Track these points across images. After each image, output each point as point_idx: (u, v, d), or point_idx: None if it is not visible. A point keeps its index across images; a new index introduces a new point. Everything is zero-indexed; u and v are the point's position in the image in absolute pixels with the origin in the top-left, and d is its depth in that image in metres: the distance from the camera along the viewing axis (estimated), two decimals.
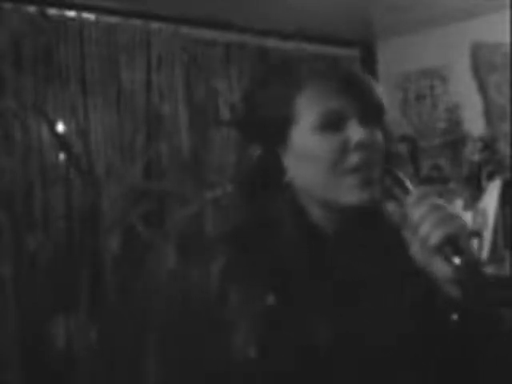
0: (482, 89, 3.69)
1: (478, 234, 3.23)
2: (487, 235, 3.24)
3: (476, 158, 3.54)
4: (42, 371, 2.73)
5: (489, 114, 3.67)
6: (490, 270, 3.09)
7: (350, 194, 0.95)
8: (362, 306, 0.96)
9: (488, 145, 3.55)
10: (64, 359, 2.76)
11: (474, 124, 3.70)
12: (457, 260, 0.85)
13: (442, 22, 3.75)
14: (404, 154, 3.74)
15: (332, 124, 0.96)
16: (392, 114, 3.79)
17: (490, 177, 3.43)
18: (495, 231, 3.26)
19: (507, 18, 3.40)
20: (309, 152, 0.97)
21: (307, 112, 0.97)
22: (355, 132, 0.95)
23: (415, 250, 0.89)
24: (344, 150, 0.95)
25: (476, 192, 3.43)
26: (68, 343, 2.79)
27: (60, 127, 3.07)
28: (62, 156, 3.04)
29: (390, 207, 1.00)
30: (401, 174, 0.99)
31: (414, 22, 3.77)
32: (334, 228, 1.01)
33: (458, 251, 0.86)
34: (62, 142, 3.00)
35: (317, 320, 0.95)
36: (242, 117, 1.07)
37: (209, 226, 2.89)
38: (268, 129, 1.01)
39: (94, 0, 3.16)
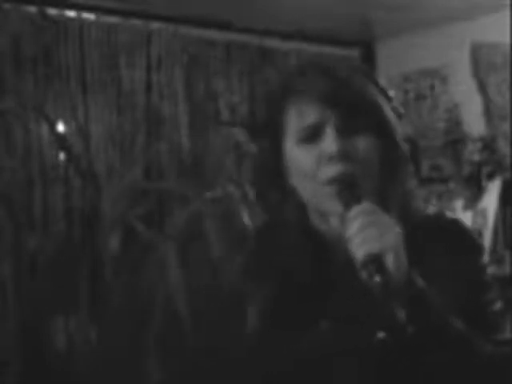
0: (482, 89, 3.69)
1: (477, 234, 3.23)
2: (487, 235, 3.24)
3: (476, 157, 3.54)
4: (42, 371, 2.73)
5: (489, 114, 3.67)
6: (490, 270, 3.09)
7: (331, 203, 0.98)
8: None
9: (488, 145, 3.55)
10: (64, 359, 2.76)
11: (474, 124, 3.70)
12: (377, 278, 0.87)
13: (442, 22, 3.75)
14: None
15: (309, 137, 1.00)
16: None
17: (490, 177, 3.43)
18: (495, 231, 3.26)
19: (507, 18, 3.40)
20: (294, 163, 1.01)
21: (291, 125, 1.01)
22: (329, 144, 0.97)
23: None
24: (320, 162, 0.98)
25: (476, 192, 3.43)
26: (68, 343, 2.79)
27: (60, 127, 3.07)
28: (61, 156, 3.04)
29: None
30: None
31: (414, 22, 3.77)
32: (334, 236, 1.03)
33: (380, 270, 0.87)
34: (62, 141, 3.00)
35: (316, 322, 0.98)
36: (249, 118, 1.12)
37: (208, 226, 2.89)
38: (270, 133, 1.05)
39: (94, 0, 3.16)
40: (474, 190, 3.45)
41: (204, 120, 3.47)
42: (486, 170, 3.46)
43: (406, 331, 0.89)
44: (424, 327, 0.91)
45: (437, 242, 1.03)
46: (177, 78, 3.41)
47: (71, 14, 3.11)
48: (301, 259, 1.03)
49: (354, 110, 0.99)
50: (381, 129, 1.02)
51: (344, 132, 0.98)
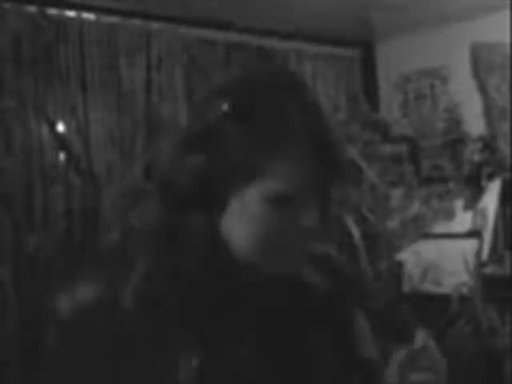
0: (482, 89, 3.69)
1: (478, 234, 3.23)
2: (487, 235, 3.24)
3: (476, 157, 3.54)
4: (42, 371, 2.73)
5: (489, 113, 3.67)
6: (489, 269, 3.09)
7: (273, 263, 0.91)
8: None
9: (488, 145, 3.55)
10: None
11: (474, 124, 3.70)
12: None
13: (441, 22, 3.75)
14: (404, 154, 3.74)
15: (289, 203, 0.89)
16: (392, 114, 3.78)
17: (490, 177, 3.43)
18: (495, 231, 3.26)
19: (507, 18, 3.41)
20: (252, 214, 0.89)
21: (271, 180, 0.88)
22: (310, 219, 0.90)
23: None
24: (290, 227, 0.90)
25: (476, 192, 3.43)
26: None
27: (60, 127, 3.07)
28: (61, 156, 3.04)
29: None
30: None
31: (414, 22, 3.77)
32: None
33: None
34: (61, 141, 3.00)
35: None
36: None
37: None
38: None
39: (94, 0, 3.16)
40: (474, 190, 3.45)
41: None
42: (486, 170, 3.46)
43: None
44: None
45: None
46: (177, 78, 3.41)
47: (71, 13, 3.11)
48: (206, 271, 0.92)
49: (336, 177, 0.92)
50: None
51: (324, 203, 0.92)
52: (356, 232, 2.76)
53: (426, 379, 0.96)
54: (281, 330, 0.97)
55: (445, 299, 2.88)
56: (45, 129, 2.99)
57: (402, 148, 3.76)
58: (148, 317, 0.88)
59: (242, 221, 0.89)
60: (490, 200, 3.34)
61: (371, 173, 3.18)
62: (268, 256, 0.91)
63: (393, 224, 3.24)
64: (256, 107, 0.89)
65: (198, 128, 0.92)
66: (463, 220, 3.39)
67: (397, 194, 3.40)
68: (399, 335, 0.99)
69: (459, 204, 3.46)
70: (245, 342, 0.93)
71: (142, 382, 0.87)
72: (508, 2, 3.29)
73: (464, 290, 2.90)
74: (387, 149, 3.67)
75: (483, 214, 3.31)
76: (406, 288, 3.21)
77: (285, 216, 0.89)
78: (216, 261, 0.92)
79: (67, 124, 3.09)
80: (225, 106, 0.90)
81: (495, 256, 3.19)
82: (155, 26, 3.35)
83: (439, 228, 3.42)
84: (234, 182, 0.88)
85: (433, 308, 2.86)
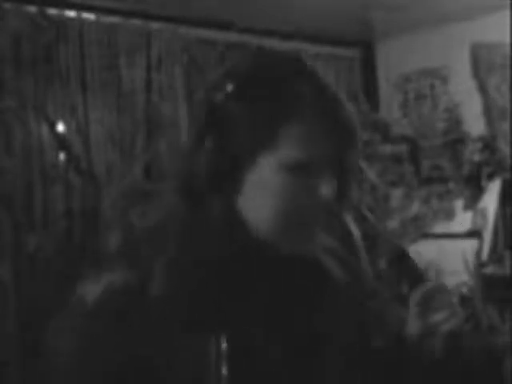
0: (482, 89, 3.69)
1: (478, 234, 3.23)
2: (487, 235, 3.24)
3: (476, 158, 3.54)
4: (42, 371, 2.73)
5: (489, 114, 3.67)
6: (489, 269, 3.09)
7: (292, 240, 0.91)
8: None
9: (488, 145, 3.55)
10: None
11: (474, 124, 3.70)
12: None
13: (442, 22, 3.75)
14: (404, 154, 3.74)
15: (307, 171, 0.90)
16: (392, 114, 3.78)
17: (490, 177, 3.43)
18: (495, 231, 3.26)
19: (507, 18, 3.40)
20: (270, 187, 0.90)
21: (286, 147, 0.89)
22: (327, 189, 0.90)
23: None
24: (308, 198, 0.90)
25: (476, 192, 3.43)
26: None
27: (60, 127, 3.07)
28: (61, 156, 3.04)
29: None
30: None
31: (414, 22, 3.77)
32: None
33: None
34: (61, 141, 3.00)
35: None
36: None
37: None
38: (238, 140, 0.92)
39: (94, 0, 3.16)
40: (474, 190, 3.45)
41: None
42: (486, 170, 3.46)
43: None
44: None
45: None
46: (177, 78, 3.41)
47: (71, 13, 3.11)
48: (228, 254, 0.93)
49: (354, 151, 0.92)
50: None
51: (342, 173, 0.92)
52: (356, 231, 2.76)
53: (445, 317, 0.96)
54: (298, 310, 0.97)
55: None
56: (45, 129, 2.99)
57: (402, 148, 3.76)
58: (175, 303, 0.88)
59: (259, 195, 0.90)
60: (490, 200, 3.34)
61: (371, 173, 3.18)
62: (287, 231, 0.91)
63: (393, 224, 3.24)
64: (262, 85, 0.90)
65: (205, 111, 0.93)
66: (463, 220, 3.39)
67: (397, 193, 3.40)
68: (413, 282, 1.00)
69: (459, 204, 3.46)
70: (267, 323, 0.94)
71: (172, 368, 0.88)
72: (508, 2, 3.29)
73: (464, 289, 2.90)
74: (387, 149, 3.67)
75: (483, 214, 3.31)
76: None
77: (302, 185, 0.89)
78: (237, 242, 0.93)
79: (67, 124, 3.09)
80: (229, 87, 0.91)
81: (495, 256, 3.19)
82: (155, 25, 3.35)
83: (439, 228, 3.42)
84: (247, 156, 0.89)
85: None
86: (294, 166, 0.88)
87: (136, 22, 3.30)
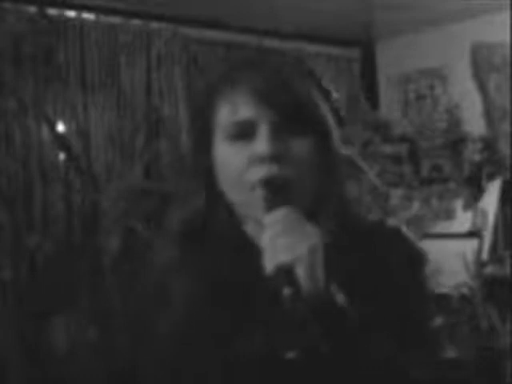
0: (482, 89, 3.69)
1: (478, 234, 3.23)
2: (487, 235, 3.24)
3: (476, 158, 3.54)
4: (42, 371, 2.73)
5: (489, 113, 3.67)
6: (489, 269, 3.09)
7: (257, 208, 0.90)
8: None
9: (488, 145, 3.55)
10: (64, 359, 2.76)
11: (474, 124, 3.70)
12: (287, 291, 0.80)
13: (442, 22, 3.75)
14: (404, 154, 3.74)
15: (241, 134, 0.93)
16: (392, 114, 3.78)
17: (490, 177, 3.43)
18: (495, 231, 3.26)
19: (507, 18, 3.41)
20: (222, 162, 0.94)
21: (223, 119, 0.94)
22: (261, 144, 0.91)
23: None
24: (250, 162, 0.91)
25: (476, 192, 3.43)
26: (68, 343, 2.79)
27: (60, 127, 3.07)
28: (61, 156, 3.04)
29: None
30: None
31: (414, 22, 3.77)
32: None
33: (290, 282, 0.80)
34: (61, 141, 3.00)
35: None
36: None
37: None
38: (198, 128, 1.00)
39: (94, 0, 3.16)
40: (474, 190, 3.45)
41: None
42: (486, 170, 3.46)
43: (319, 350, 0.81)
44: (340, 346, 0.83)
45: (374, 252, 0.95)
46: (177, 78, 3.41)
47: (71, 13, 3.11)
48: (227, 264, 0.95)
49: (292, 110, 0.92)
50: (318, 131, 0.95)
51: (279, 132, 0.91)
52: None
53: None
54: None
55: (445, 299, 2.88)
56: (45, 129, 2.99)
57: (402, 148, 3.76)
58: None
59: (227, 181, 0.95)
60: (490, 200, 3.34)
61: (371, 173, 3.18)
62: (252, 203, 0.92)
63: (393, 224, 3.24)
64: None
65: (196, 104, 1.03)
66: (463, 220, 3.39)
67: (397, 194, 3.40)
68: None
69: (459, 204, 3.46)
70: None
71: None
72: (508, 2, 3.29)
73: (464, 290, 2.90)
74: (387, 149, 3.67)
75: (483, 214, 3.31)
76: None
77: (244, 151, 0.92)
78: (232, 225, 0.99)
79: (67, 124, 3.09)
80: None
81: (495, 256, 3.19)
82: (155, 25, 3.35)
83: (439, 228, 3.42)
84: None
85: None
86: (234, 128, 0.93)
87: (136, 21, 3.30)
